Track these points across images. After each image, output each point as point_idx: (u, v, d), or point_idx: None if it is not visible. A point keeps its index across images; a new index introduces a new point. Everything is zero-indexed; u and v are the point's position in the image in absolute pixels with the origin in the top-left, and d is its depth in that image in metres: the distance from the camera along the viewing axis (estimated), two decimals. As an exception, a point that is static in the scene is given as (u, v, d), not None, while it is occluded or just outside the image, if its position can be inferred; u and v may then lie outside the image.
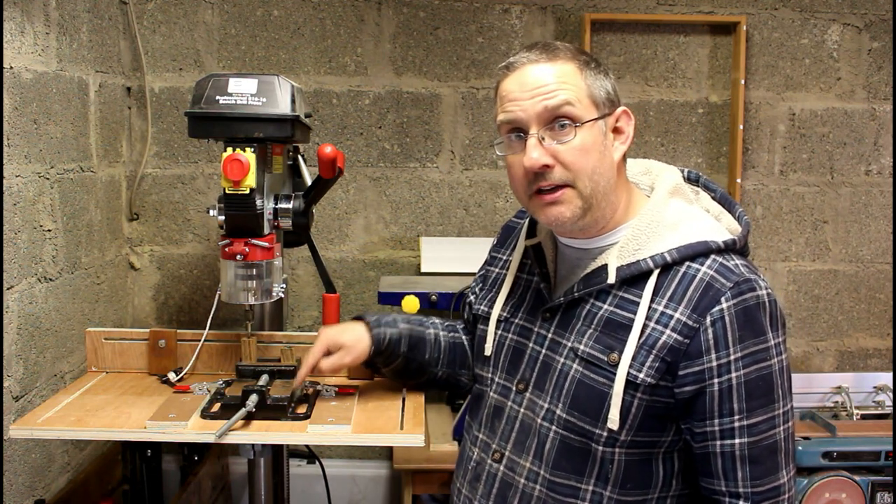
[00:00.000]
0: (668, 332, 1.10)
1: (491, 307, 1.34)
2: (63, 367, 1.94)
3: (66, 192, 1.94)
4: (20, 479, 1.75)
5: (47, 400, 1.49)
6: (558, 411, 1.17)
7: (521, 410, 1.23)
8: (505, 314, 1.30)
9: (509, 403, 1.25)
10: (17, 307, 1.72)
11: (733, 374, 1.09)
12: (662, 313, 1.11)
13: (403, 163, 2.45)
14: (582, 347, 1.16)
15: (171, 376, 1.58)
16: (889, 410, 2.20)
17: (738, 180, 2.44)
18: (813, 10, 2.45)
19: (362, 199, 2.46)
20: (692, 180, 1.27)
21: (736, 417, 1.09)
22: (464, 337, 1.50)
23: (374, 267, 2.49)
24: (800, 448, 2.04)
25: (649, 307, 1.12)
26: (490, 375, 1.30)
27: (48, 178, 1.85)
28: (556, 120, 1.12)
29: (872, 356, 2.60)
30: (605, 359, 1.13)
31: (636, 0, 2.42)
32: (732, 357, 1.09)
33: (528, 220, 1.34)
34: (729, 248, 1.14)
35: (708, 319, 1.09)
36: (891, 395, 2.23)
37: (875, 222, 2.55)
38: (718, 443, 1.11)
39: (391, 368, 1.47)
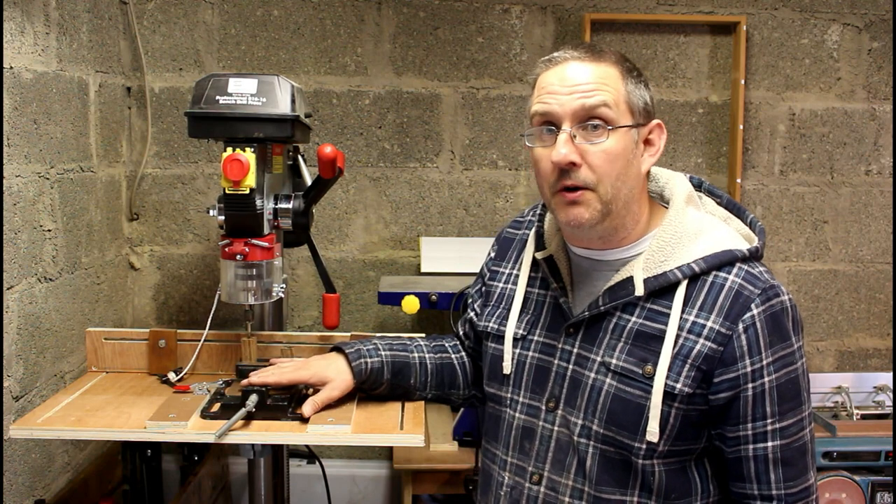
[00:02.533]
0: (701, 340, 1.11)
1: (501, 324, 1.30)
2: (63, 367, 1.94)
3: (66, 192, 1.94)
4: (20, 479, 1.75)
5: (47, 400, 1.49)
6: (595, 426, 1.16)
7: (555, 429, 1.21)
8: (521, 332, 1.27)
9: (540, 423, 1.23)
10: (17, 307, 1.72)
11: (766, 379, 1.11)
12: (694, 323, 1.11)
13: (403, 163, 2.45)
14: (614, 361, 1.15)
15: (171, 376, 1.58)
16: (889, 410, 2.20)
17: (738, 180, 2.44)
18: (813, 10, 2.45)
19: (362, 199, 2.46)
20: (695, 186, 1.27)
21: (769, 421, 1.11)
22: (454, 356, 1.46)
23: (374, 267, 2.49)
24: (800, 448, 2.04)
25: (680, 317, 1.12)
26: (510, 395, 1.27)
27: (48, 178, 1.85)
28: (591, 120, 1.11)
29: (872, 356, 2.60)
30: (640, 371, 1.12)
31: (636, 0, 2.42)
32: (765, 362, 1.11)
33: (533, 232, 1.32)
34: (753, 256, 1.16)
35: (740, 326, 1.10)
36: (891, 395, 2.23)
37: (875, 222, 2.55)
38: (752, 446, 1.12)
39: (377, 393, 1.44)
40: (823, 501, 2.05)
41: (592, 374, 1.17)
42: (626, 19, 2.41)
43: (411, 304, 2.06)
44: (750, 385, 1.11)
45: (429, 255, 2.39)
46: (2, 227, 1.64)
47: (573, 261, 1.24)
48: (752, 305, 1.10)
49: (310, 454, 2.44)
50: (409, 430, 1.37)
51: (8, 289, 1.68)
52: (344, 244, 2.48)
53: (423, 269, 2.39)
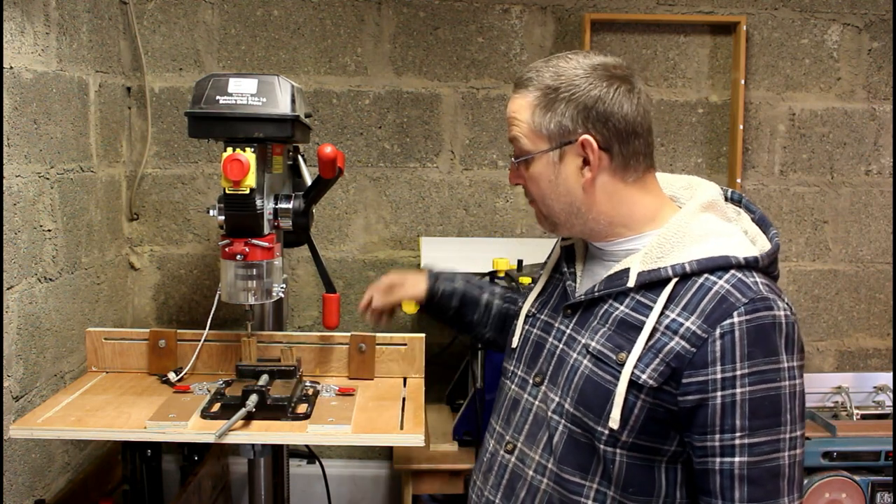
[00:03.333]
0: (676, 338, 1.10)
1: (523, 303, 1.38)
2: (63, 367, 1.94)
3: (66, 192, 1.94)
4: (20, 479, 1.75)
5: (47, 400, 1.49)
6: (566, 405, 1.19)
7: (536, 403, 1.25)
8: (533, 310, 1.34)
9: (525, 396, 1.27)
10: (17, 307, 1.72)
11: (738, 390, 1.08)
12: (674, 320, 1.12)
13: (403, 163, 2.45)
14: (593, 344, 1.18)
15: (171, 376, 1.58)
16: (889, 410, 2.20)
17: (738, 180, 2.44)
18: (813, 10, 2.45)
19: (362, 199, 2.46)
20: (734, 200, 1.28)
21: (737, 434, 1.08)
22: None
23: (374, 267, 2.49)
24: (800, 448, 2.04)
25: (662, 313, 1.12)
26: (512, 368, 1.34)
27: (48, 178, 1.85)
28: (515, 151, 1.23)
29: (872, 356, 2.60)
30: (614, 357, 1.14)
31: (636, 0, 2.42)
32: (738, 372, 1.08)
33: None
34: (751, 266, 1.13)
35: (717, 331, 1.08)
36: (891, 395, 2.23)
37: (875, 222, 2.55)
38: (718, 459, 1.10)
39: (445, 319, 1.56)
40: (823, 501, 2.05)
41: (575, 355, 1.20)
42: (626, 19, 2.41)
43: (411, 304, 2.05)
44: (719, 393, 1.08)
45: (429, 255, 2.39)
46: (2, 227, 1.64)
47: (589, 250, 1.30)
48: (735, 313, 1.08)
49: (310, 454, 2.44)
50: (409, 430, 1.37)
51: (8, 289, 1.68)
52: (344, 244, 2.48)
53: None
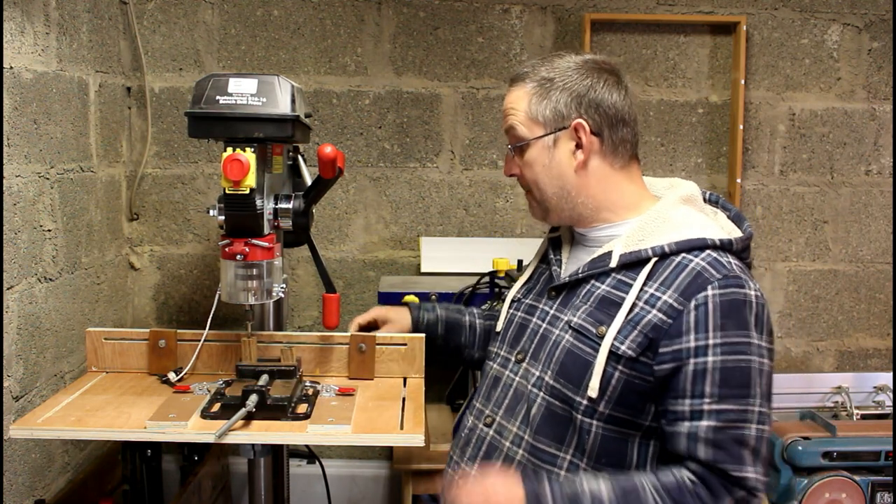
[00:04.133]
0: (654, 311, 1.17)
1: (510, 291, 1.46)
2: (63, 367, 1.94)
3: (66, 192, 1.94)
4: (20, 479, 1.75)
5: (47, 400, 1.49)
6: (546, 378, 1.25)
7: (517, 379, 1.31)
8: (519, 295, 1.42)
9: (507, 373, 1.34)
10: (17, 307, 1.72)
11: (710, 358, 1.14)
12: (652, 295, 1.19)
13: (403, 163, 2.45)
14: (575, 319, 1.25)
15: (171, 376, 1.58)
16: (889, 410, 2.20)
17: (738, 180, 2.44)
18: (813, 10, 2.45)
19: (362, 199, 2.46)
20: (712, 202, 1.37)
21: (706, 400, 1.13)
22: None
23: (374, 267, 2.49)
24: (799, 448, 2.04)
25: (641, 289, 1.20)
26: (496, 350, 1.40)
27: (48, 178, 1.85)
28: (511, 140, 1.33)
29: (872, 356, 2.60)
30: (594, 331, 1.21)
31: (636, 0, 2.42)
32: (711, 342, 1.14)
33: None
34: (725, 248, 1.21)
35: (692, 303, 1.15)
36: (891, 395, 2.23)
37: (875, 222, 2.55)
38: (687, 423, 1.14)
39: (432, 349, 1.62)
40: (823, 501, 2.05)
41: (557, 331, 1.27)
42: (626, 19, 2.41)
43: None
44: (692, 360, 1.14)
45: (429, 255, 2.39)
46: (2, 227, 1.64)
47: (575, 238, 1.39)
48: (709, 287, 1.15)
49: (310, 454, 2.44)
50: (409, 430, 1.37)
51: (8, 289, 1.68)
52: (344, 244, 2.48)
53: (423, 269, 2.39)
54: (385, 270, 2.49)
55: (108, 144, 2.21)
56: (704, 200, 1.35)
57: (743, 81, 2.41)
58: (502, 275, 2.09)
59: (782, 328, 2.58)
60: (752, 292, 1.16)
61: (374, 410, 1.45)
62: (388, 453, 2.55)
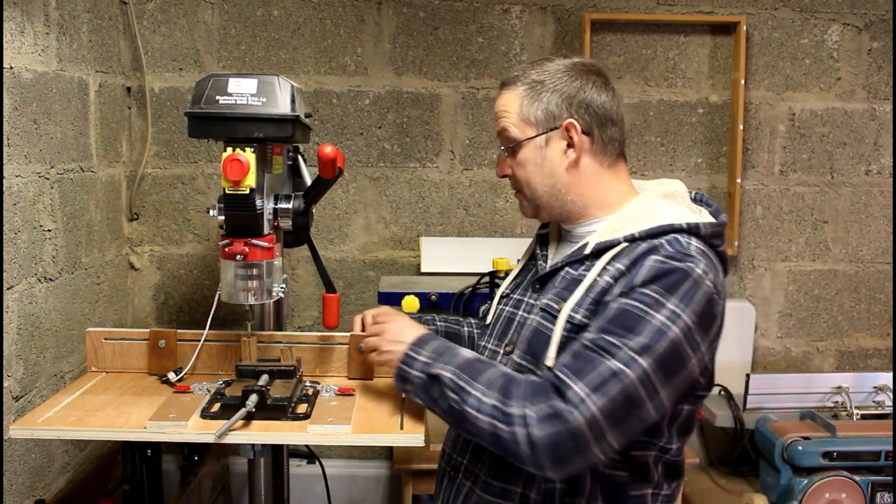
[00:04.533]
0: (606, 278, 1.23)
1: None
2: (63, 367, 1.94)
3: (66, 192, 1.94)
4: (20, 479, 1.75)
5: (47, 400, 1.49)
6: (515, 357, 1.31)
7: None
8: (507, 291, 1.46)
9: None
10: (17, 307, 1.72)
11: (618, 300, 1.19)
12: (610, 268, 1.24)
13: (403, 163, 2.45)
14: (544, 301, 1.30)
15: (171, 376, 1.58)
16: (889, 410, 2.20)
17: (738, 180, 2.44)
18: (813, 10, 2.45)
19: (362, 199, 2.46)
20: (696, 200, 1.39)
21: (591, 330, 1.19)
22: None
23: (374, 267, 2.49)
24: (799, 448, 2.04)
25: (604, 267, 1.25)
26: (485, 344, 1.43)
27: (48, 178, 1.85)
28: (503, 141, 1.36)
29: (872, 356, 2.60)
30: (557, 307, 1.27)
31: (636, 0, 2.42)
32: (629, 291, 1.18)
33: None
34: (692, 231, 1.24)
35: (634, 267, 1.20)
36: (891, 395, 2.23)
37: (875, 222, 2.55)
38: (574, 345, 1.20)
39: None
40: (823, 501, 2.05)
41: (532, 316, 1.33)
42: (626, 19, 2.41)
43: (411, 304, 2.06)
44: (610, 303, 1.19)
45: (429, 255, 2.39)
46: (2, 227, 1.64)
47: (562, 235, 1.43)
48: (654, 255, 1.20)
49: (310, 454, 2.44)
50: (409, 430, 1.37)
51: (8, 289, 1.68)
52: (344, 244, 2.48)
53: (423, 269, 2.39)
54: (385, 270, 2.49)
55: (108, 144, 2.21)
56: (692, 200, 1.37)
57: (743, 81, 2.41)
58: (502, 275, 2.09)
59: (782, 328, 2.58)
60: (699, 271, 1.18)
61: (374, 410, 1.45)
62: (388, 453, 2.55)
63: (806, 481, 2.04)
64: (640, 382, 1.13)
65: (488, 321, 1.45)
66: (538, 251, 1.45)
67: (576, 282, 1.27)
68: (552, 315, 1.27)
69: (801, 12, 2.45)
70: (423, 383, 1.27)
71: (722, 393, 2.32)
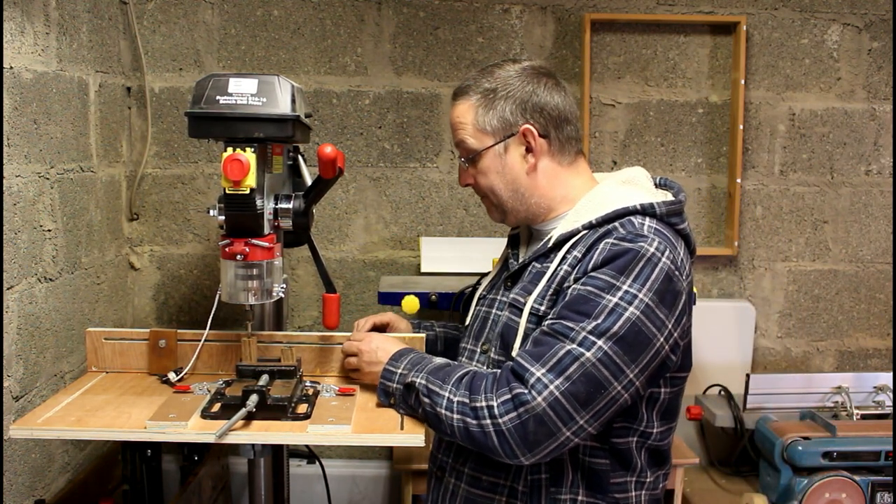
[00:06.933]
0: (565, 267, 1.25)
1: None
2: (63, 367, 1.94)
3: (66, 192, 1.94)
4: (20, 479, 1.75)
5: (47, 400, 1.49)
6: (492, 354, 1.35)
7: (484, 369, 1.37)
8: (484, 292, 1.50)
9: (474, 364, 1.41)
10: (17, 307, 1.72)
11: (572, 287, 1.21)
12: (568, 257, 1.26)
13: (403, 163, 2.45)
14: (511, 296, 1.33)
15: (172, 376, 1.58)
16: (889, 410, 2.20)
17: (738, 180, 2.44)
18: (813, 10, 2.45)
19: (362, 199, 2.46)
20: (660, 185, 1.41)
21: (550, 317, 1.22)
22: None
23: (374, 267, 2.49)
24: (799, 448, 2.04)
25: (563, 257, 1.27)
26: (464, 344, 1.47)
27: (48, 178, 1.85)
28: (462, 152, 1.39)
29: (872, 356, 2.60)
30: (522, 301, 1.29)
31: (636, 0, 2.42)
32: (583, 277, 1.21)
33: None
34: (647, 212, 1.26)
35: (588, 252, 1.23)
36: (891, 395, 2.23)
37: (875, 222, 2.55)
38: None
39: None
40: (823, 501, 2.05)
41: (502, 312, 1.37)
42: (626, 19, 2.41)
43: (411, 304, 2.06)
44: (567, 290, 1.22)
45: (429, 255, 2.39)
46: (2, 227, 1.64)
47: (531, 234, 1.46)
48: (607, 238, 1.22)
49: (310, 454, 2.44)
50: (409, 430, 1.37)
51: (8, 289, 1.68)
52: (344, 244, 2.48)
53: (423, 269, 2.39)
54: (385, 270, 2.49)
55: (108, 144, 2.21)
56: (656, 185, 1.40)
57: (743, 81, 2.41)
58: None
59: (782, 328, 2.58)
60: (652, 249, 1.19)
61: (374, 410, 1.45)
62: (388, 453, 2.55)
63: (806, 481, 2.04)
64: (601, 363, 1.15)
65: (467, 322, 1.50)
66: (510, 251, 1.49)
67: (539, 274, 1.31)
68: (517, 308, 1.31)
69: (801, 12, 2.45)
70: (402, 394, 1.34)
71: (722, 393, 2.32)
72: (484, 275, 2.12)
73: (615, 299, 1.17)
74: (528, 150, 1.33)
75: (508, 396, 1.16)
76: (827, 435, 2.09)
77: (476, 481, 1.33)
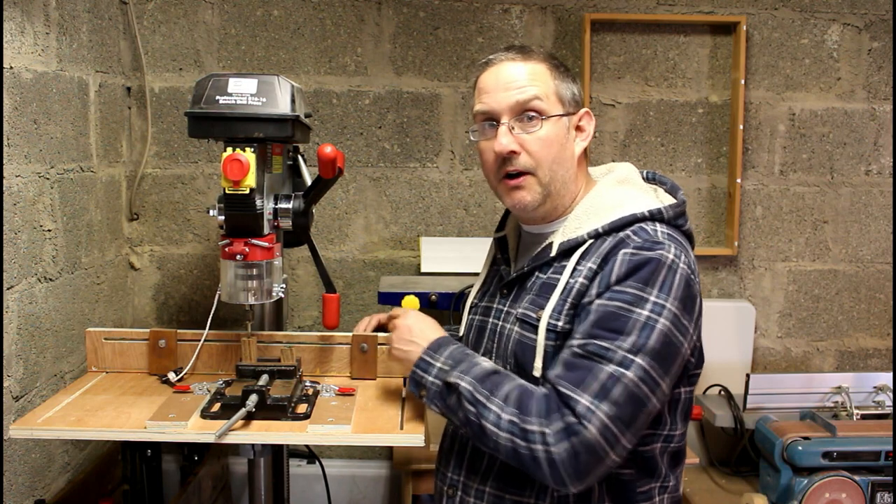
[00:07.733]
0: (580, 279, 1.21)
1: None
2: (63, 367, 1.94)
3: (66, 192, 1.94)
4: (20, 479, 1.75)
5: (47, 400, 1.49)
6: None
7: None
8: (475, 300, 1.45)
9: None
10: (17, 307, 1.72)
11: (597, 301, 1.17)
12: (581, 268, 1.22)
13: (403, 163, 2.45)
14: (520, 310, 1.28)
15: (171, 376, 1.58)
16: (889, 410, 2.20)
17: (738, 180, 2.44)
18: (813, 10, 2.45)
19: (362, 199, 2.46)
20: (649, 179, 1.38)
21: (577, 336, 1.17)
22: None
23: (374, 267, 2.49)
24: (799, 448, 2.04)
25: (574, 268, 1.23)
26: None
27: (48, 178, 1.85)
28: (525, 112, 1.26)
29: (872, 356, 2.60)
30: (534, 316, 1.25)
31: (636, 0, 2.42)
32: (606, 291, 1.17)
33: (500, 218, 1.51)
34: (655, 217, 1.23)
35: (607, 264, 1.18)
36: (891, 395, 2.23)
37: (875, 222, 2.55)
38: (563, 352, 1.18)
39: None
40: (823, 501, 2.05)
41: (508, 325, 1.31)
42: (626, 19, 2.41)
43: (411, 304, 2.05)
44: (589, 306, 1.17)
45: (429, 255, 2.39)
46: (2, 227, 1.64)
47: (522, 237, 1.41)
48: (624, 248, 1.18)
49: (310, 454, 2.44)
50: (409, 430, 1.37)
51: (8, 289, 1.68)
52: (344, 244, 2.48)
53: (423, 269, 2.39)
54: (385, 270, 2.49)
55: (108, 144, 2.21)
56: (644, 179, 1.37)
57: (743, 81, 2.41)
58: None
59: (782, 328, 2.58)
60: (670, 255, 1.17)
61: (374, 410, 1.45)
62: (388, 453, 2.55)
63: (806, 481, 2.04)
64: (641, 381, 1.13)
65: (461, 332, 1.45)
66: (499, 255, 1.43)
67: (548, 286, 1.25)
68: (530, 324, 1.25)
69: (801, 12, 2.45)
70: (439, 390, 1.25)
71: (722, 393, 2.32)
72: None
73: (646, 312, 1.14)
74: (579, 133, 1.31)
75: (562, 426, 1.11)
76: (827, 435, 2.09)
77: (499, 500, 1.28)
